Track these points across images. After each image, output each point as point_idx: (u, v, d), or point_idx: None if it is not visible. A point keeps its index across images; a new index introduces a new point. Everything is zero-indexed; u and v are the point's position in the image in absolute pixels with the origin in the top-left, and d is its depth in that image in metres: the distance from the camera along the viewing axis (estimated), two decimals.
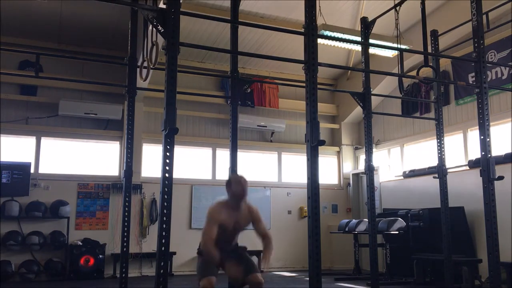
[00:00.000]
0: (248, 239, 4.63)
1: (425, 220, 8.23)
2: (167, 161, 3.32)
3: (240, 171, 5.33)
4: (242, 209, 4.10)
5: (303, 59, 4.03)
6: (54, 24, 9.09)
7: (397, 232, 8.17)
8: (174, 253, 9.34)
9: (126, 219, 5.27)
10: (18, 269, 8.47)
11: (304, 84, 4.02)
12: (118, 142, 10.01)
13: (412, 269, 7.93)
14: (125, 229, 5.26)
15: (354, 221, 9.27)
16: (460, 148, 8.96)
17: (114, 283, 7.52)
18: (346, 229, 9.27)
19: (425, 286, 7.71)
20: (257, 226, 4.19)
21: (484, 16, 5.64)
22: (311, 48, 3.96)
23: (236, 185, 4.05)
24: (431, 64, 6.66)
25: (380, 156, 11.04)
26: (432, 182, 7.08)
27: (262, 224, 4.22)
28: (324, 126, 11.64)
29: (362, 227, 8.78)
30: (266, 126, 10.94)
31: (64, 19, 8.93)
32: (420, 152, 10.02)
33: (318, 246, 3.64)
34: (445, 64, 9.10)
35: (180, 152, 10.20)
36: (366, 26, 6.33)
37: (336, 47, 8.91)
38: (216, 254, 3.82)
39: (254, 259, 10.08)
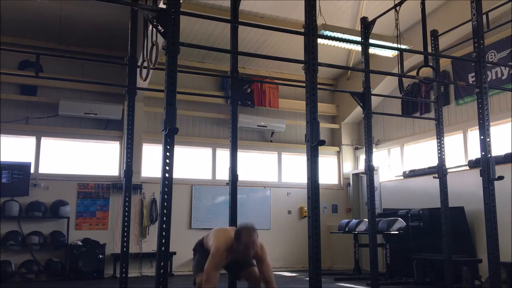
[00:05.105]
0: None
1: (425, 220, 8.22)
2: (167, 161, 3.32)
3: (240, 172, 5.35)
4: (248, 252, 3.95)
5: (303, 59, 4.03)
6: (54, 24, 9.09)
7: (397, 232, 8.16)
8: (174, 253, 9.33)
9: (126, 219, 5.28)
10: (18, 269, 8.47)
11: (304, 84, 4.03)
12: (118, 142, 10.00)
13: (412, 269, 7.93)
14: (125, 229, 5.27)
15: (354, 221, 9.26)
16: (460, 148, 8.95)
17: (114, 283, 7.53)
18: (346, 229, 9.26)
19: (425, 286, 7.71)
20: (259, 267, 4.05)
21: (484, 16, 5.64)
22: (311, 48, 3.96)
23: (246, 237, 3.94)
24: (431, 64, 6.65)
25: (380, 156, 11.04)
26: (432, 182, 7.08)
27: (266, 266, 4.03)
28: (324, 126, 11.63)
29: (362, 227, 8.78)
30: (266, 126, 10.93)
31: (64, 19, 8.92)
32: (420, 152, 10.01)
33: (318, 246, 3.64)
34: (445, 64, 9.09)
35: (180, 152, 10.19)
36: (366, 26, 6.33)
37: (336, 47, 8.91)
38: None
39: None
